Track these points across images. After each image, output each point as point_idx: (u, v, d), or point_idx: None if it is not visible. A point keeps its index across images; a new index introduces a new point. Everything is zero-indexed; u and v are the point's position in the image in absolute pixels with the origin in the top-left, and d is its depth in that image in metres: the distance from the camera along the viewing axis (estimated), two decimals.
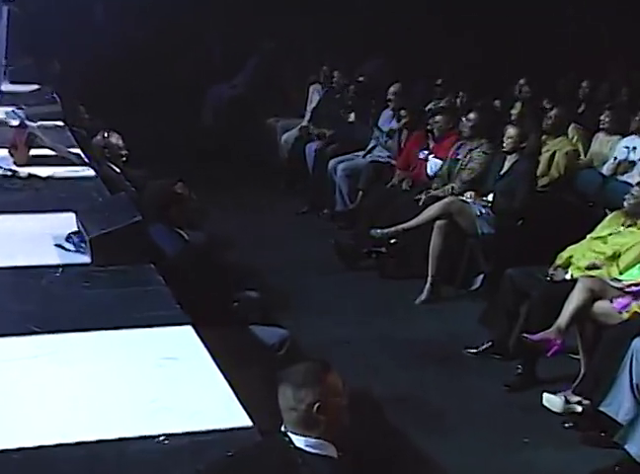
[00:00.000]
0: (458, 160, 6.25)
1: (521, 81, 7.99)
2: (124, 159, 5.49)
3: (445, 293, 5.82)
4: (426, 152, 6.70)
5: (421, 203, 6.17)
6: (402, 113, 7.09)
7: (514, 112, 7.08)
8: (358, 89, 8.20)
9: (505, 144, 5.77)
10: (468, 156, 6.17)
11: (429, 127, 6.64)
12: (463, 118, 6.33)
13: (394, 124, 7.31)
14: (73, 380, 2.49)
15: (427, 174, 6.57)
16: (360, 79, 8.46)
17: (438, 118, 6.58)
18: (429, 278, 5.76)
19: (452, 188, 6.14)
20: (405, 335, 5.21)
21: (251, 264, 6.17)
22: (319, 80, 9.09)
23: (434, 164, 6.55)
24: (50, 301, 3.05)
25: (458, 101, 7.63)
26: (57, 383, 2.47)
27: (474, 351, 4.92)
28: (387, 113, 7.58)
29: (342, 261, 6.28)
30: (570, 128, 6.89)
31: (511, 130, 5.78)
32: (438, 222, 5.74)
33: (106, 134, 5.42)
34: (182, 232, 3.91)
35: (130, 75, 10.47)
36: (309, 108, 8.94)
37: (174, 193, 4.01)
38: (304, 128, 8.62)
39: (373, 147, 7.53)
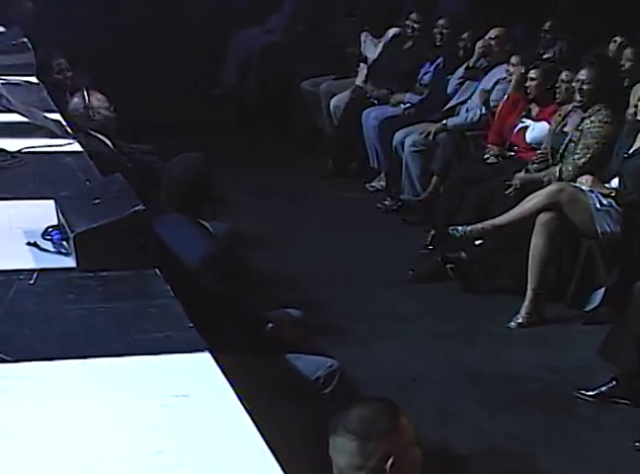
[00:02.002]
0: (566, 133, 6.21)
1: None
2: (117, 128, 5.54)
3: (551, 314, 5.79)
4: (527, 121, 6.68)
5: (512, 191, 6.14)
6: (513, 60, 7.06)
7: None
8: (443, 35, 8.13)
9: (638, 111, 5.71)
10: (581, 127, 6.12)
11: (528, 89, 6.64)
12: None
13: (488, 83, 7.32)
14: (52, 424, 2.50)
15: (525, 142, 6.57)
16: (441, 22, 8.39)
17: (541, 72, 6.56)
18: (528, 294, 5.73)
19: (561, 170, 6.10)
20: (495, 369, 5.20)
21: (289, 271, 6.19)
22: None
23: (537, 128, 6.52)
24: (22, 319, 3.07)
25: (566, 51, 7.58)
26: (31, 428, 2.49)
27: (591, 393, 4.88)
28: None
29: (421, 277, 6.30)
30: None
31: None
32: (541, 217, 5.71)
33: (86, 94, 5.47)
34: (207, 226, 3.94)
35: (129, 17, 10.57)
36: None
37: (208, 172, 4.04)
38: (360, 89, 8.63)
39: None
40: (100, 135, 5.43)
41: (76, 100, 5.50)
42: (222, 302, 3.68)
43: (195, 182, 3.99)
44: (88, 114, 5.43)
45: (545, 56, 7.39)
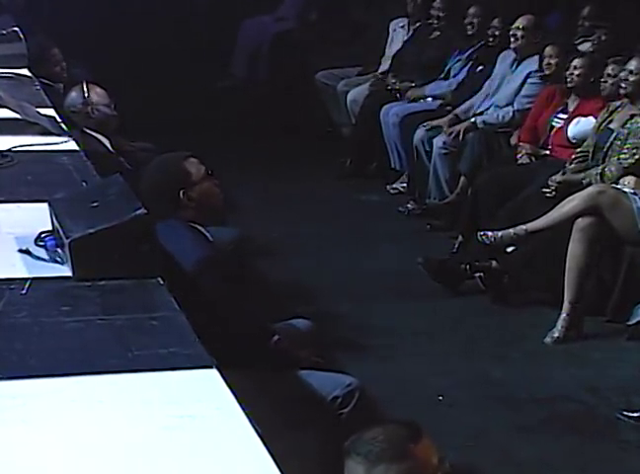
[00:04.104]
0: (611, 131, 6.20)
1: None
2: (116, 126, 5.56)
3: (590, 329, 5.78)
4: (563, 116, 6.68)
5: (552, 193, 6.14)
6: (548, 50, 7.05)
7: None
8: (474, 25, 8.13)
9: None
10: (627, 126, 6.11)
11: (569, 79, 6.64)
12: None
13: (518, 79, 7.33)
14: (46, 448, 2.51)
15: (567, 139, 6.58)
16: (472, 11, 8.39)
17: (585, 63, 6.57)
18: (565, 306, 5.72)
19: (603, 172, 6.09)
20: (529, 388, 5.20)
21: (301, 280, 6.20)
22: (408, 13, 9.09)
23: (583, 123, 6.52)
24: (13, 333, 3.08)
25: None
26: (23, 452, 2.49)
27: (635, 415, 4.86)
28: (508, 57, 7.58)
29: (440, 283, 6.29)
30: None
31: None
32: (579, 222, 5.70)
33: (85, 89, 5.48)
34: (203, 230, 3.95)
35: (128, 4, 10.61)
36: (388, 52, 8.95)
37: (186, 171, 4.06)
38: (380, 82, 8.64)
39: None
40: (97, 135, 5.44)
41: (74, 94, 5.51)
42: (229, 313, 3.69)
43: (172, 184, 4.01)
44: (86, 110, 5.44)
45: (583, 47, 7.38)
